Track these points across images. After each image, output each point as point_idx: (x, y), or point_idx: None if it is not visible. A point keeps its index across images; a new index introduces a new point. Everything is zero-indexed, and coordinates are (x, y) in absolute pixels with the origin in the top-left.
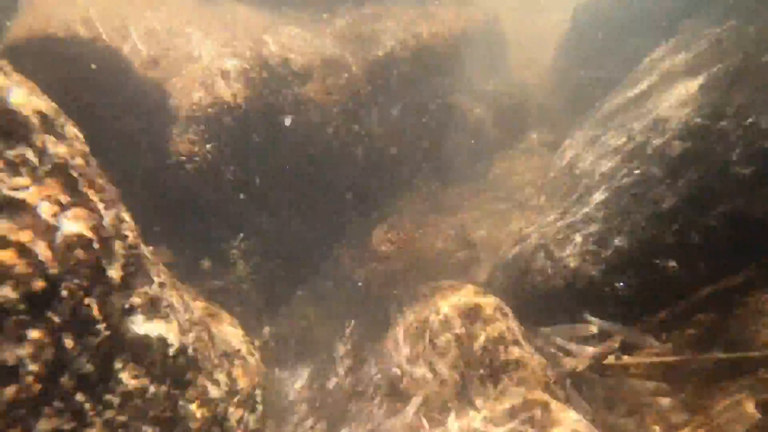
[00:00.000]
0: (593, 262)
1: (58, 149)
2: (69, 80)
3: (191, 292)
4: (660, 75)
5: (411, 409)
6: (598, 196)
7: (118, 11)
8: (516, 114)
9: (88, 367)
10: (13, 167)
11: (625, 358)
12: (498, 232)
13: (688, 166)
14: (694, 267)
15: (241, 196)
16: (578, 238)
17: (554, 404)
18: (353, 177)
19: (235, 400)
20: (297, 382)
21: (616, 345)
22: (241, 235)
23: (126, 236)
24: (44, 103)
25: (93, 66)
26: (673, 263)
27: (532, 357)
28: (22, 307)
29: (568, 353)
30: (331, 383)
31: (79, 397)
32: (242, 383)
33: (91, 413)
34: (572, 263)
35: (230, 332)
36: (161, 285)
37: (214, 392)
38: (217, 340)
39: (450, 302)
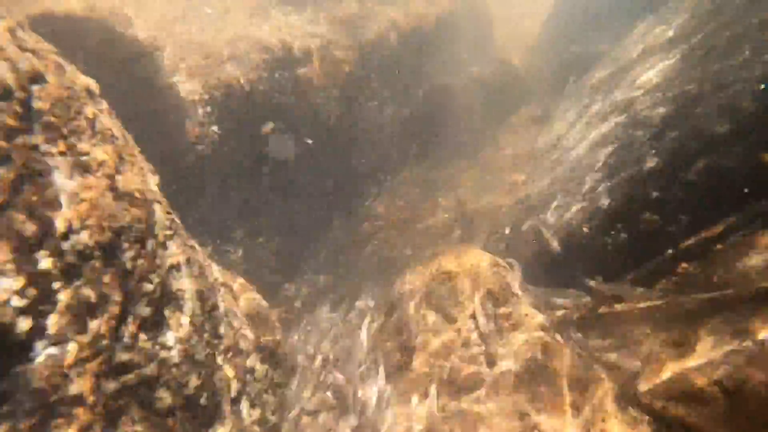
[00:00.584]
0: (584, 221)
1: (103, 120)
2: (83, 61)
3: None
4: (643, 47)
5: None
6: (587, 161)
7: None
8: (504, 92)
9: (147, 311)
10: (77, 134)
11: (617, 306)
12: (491, 204)
13: (669, 129)
14: (677, 220)
15: (246, 176)
16: (569, 200)
17: (554, 344)
18: (350, 157)
19: (261, 355)
20: (309, 343)
21: (609, 296)
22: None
23: (162, 201)
24: (91, 81)
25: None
26: (656, 217)
27: (529, 308)
28: (97, 254)
29: (563, 308)
30: (344, 342)
31: (143, 336)
32: (265, 340)
33: (151, 352)
34: (564, 224)
35: (248, 295)
36: (192, 247)
37: (243, 345)
38: (239, 301)
39: (451, 261)
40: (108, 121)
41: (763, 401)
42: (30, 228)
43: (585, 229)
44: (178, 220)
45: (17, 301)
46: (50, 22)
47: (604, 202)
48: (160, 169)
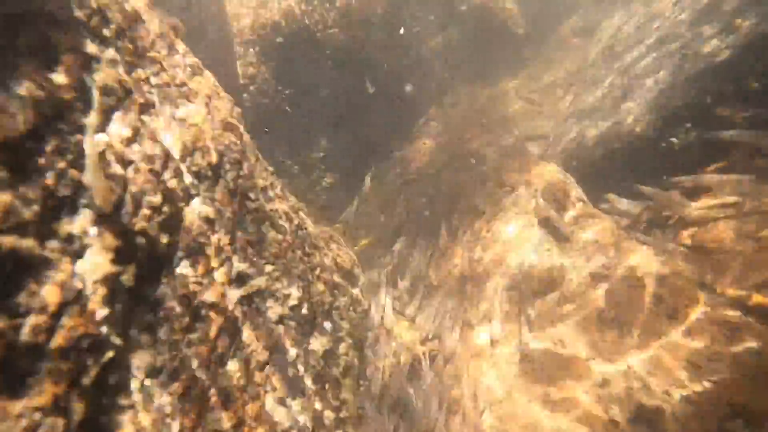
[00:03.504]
0: (649, 121)
1: (190, 55)
2: None
3: None
4: None
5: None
6: (648, 61)
7: None
8: (547, 4)
9: (252, 228)
10: (175, 68)
11: (693, 207)
12: (543, 120)
13: (741, 18)
14: (755, 114)
15: (297, 112)
16: (630, 103)
17: (626, 243)
18: (396, 84)
19: (341, 273)
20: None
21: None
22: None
23: (245, 129)
24: (177, 20)
25: None
26: (729, 112)
27: (598, 211)
28: (209, 173)
29: (629, 214)
30: (413, 262)
31: (250, 251)
32: (342, 261)
33: (260, 265)
34: (628, 125)
35: (324, 223)
36: (272, 173)
37: (327, 262)
38: (315, 226)
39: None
40: (192, 58)
41: None
42: (156, 150)
43: (650, 130)
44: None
45: (157, 217)
46: None
47: (671, 99)
48: None
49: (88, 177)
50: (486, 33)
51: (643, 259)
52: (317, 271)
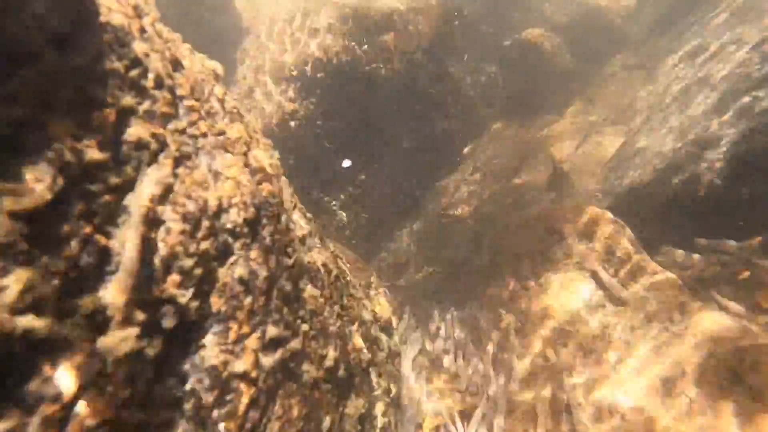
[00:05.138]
0: (719, 170)
1: (229, 100)
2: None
3: None
4: None
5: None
6: (708, 106)
7: None
8: (592, 38)
9: (288, 286)
10: (212, 116)
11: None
12: (591, 161)
13: None
14: None
15: (338, 149)
16: (695, 150)
17: (692, 304)
18: (437, 121)
19: (379, 325)
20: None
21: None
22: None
23: (284, 175)
24: (217, 64)
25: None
26: None
27: (657, 265)
28: (245, 230)
29: (689, 267)
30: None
31: (286, 311)
32: (381, 311)
33: (295, 326)
34: (693, 172)
35: (356, 265)
36: (310, 220)
37: (365, 315)
38: (354, 273)
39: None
40: (232, 101)
41: None
42: (191, 208)
43: (717, 180)
44: (294, 193)
45: (188, 283)
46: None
47: (742, 150)
48: None
49: (116, 242)
50: (531, 68)
51: (715, 324)
52: (355, 326)
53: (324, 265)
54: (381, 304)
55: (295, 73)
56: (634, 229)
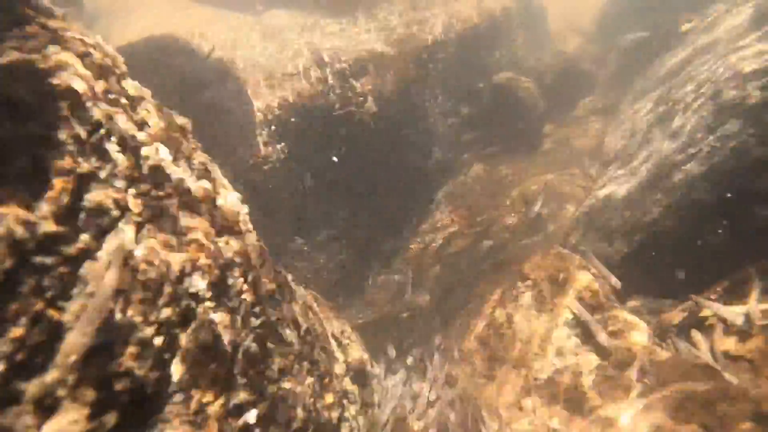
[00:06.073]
0: (681, 216)
1: (196, 156)
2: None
3: None
4: (722, 30)
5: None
6: (675, 151)
7: (184, 25)
8: (563, 83)
9: (254, 347)
10: (179, 174)
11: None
12: (561, 200)
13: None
14: None
15: (312, 190)
16: (660, 196)
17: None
18: (412, 161)
19: (352, 375)
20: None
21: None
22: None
23: (253, 230)
24: (184, 120)
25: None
26: (766, 212)
27: (627, 312)
28: (208, 294)
29: (658, 313)
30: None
31: (251, 373)
32: (354, 359)
33: (263, 389)
34: (657, 218)
35: (328, 314)
36: (279, 272)
37: (337, 369)
38: (325, 323)
39: (548, 274)
40: (200, 156)
41: None
42: (152, 275)
43: (680, 226)
44: (264, 246)
45: (147, 353)
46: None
47: (703, 196)
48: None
49: (70, 316)
50: (504, 109)
51: (684, 376)
52: (326, 381)
53: (294, 320)
54: (354, 353)
55: (269, 117)
56: (606, 275)
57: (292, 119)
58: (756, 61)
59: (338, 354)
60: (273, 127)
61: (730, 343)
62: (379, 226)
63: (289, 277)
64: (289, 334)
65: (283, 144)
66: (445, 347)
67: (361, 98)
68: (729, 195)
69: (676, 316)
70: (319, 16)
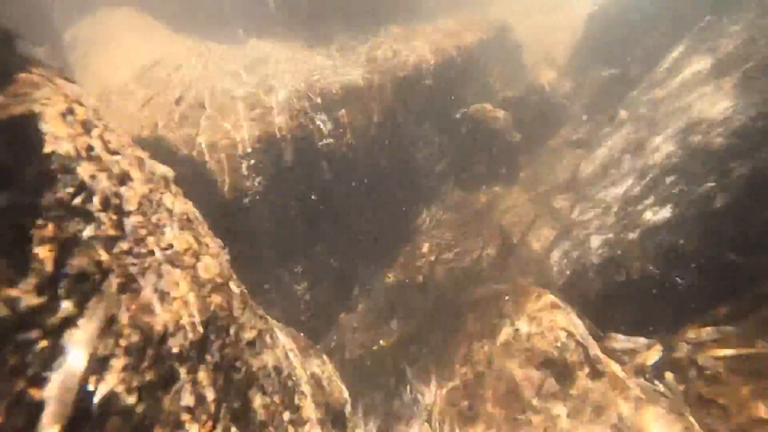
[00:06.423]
0: (652, 259)
1: (178, 205)
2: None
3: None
4: (688, 73)
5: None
6: (645, 192)
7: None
8: (537, 116)
9: (237, 403)
10: (161, 228)
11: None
12: (535, 234)
13: (735, 163)
14: (756, 260)
15: (290, 222)
16: (632, 236)
17: (635, 401)
18: (391, 191)
19: (332, 418)
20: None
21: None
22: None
23: (234, 278)
24: (166, 169)
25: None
26: (733, 257)
27: (601, 353)
28: (192, 353)
29: (633, 353)
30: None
31: (233, 430)
32: (333, 400)
33: None
34: (630, 260)
35: (310, 352)
36: (261, 317)
37: (318, 413)
38: (305, 362)
39: (524, 312)
40: (182, 205)
41: None
42: (134, 338)
43: (652, 268)
44: (245, 290)
45: (129, 422)
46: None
47: (673, 239)
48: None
49: (51, 390)
50: (480, 140)
51: (653, 421)
52: (305, 427)
53: (275, 366)
54: (334, 393)
55: (249, 150)
56: (581, 313)
57: (273, 151)
58: (716, 109)
59: (319, 396)
60: (253, 161)
61: (701, 386)
62: (358, 256)
63: (269, 318)
64: (271, 380)
65: (262, 177)
66: (422, 389)
67: (341, 130)
68: (696, 239)
69: (649, 356)
70: (298, 46)
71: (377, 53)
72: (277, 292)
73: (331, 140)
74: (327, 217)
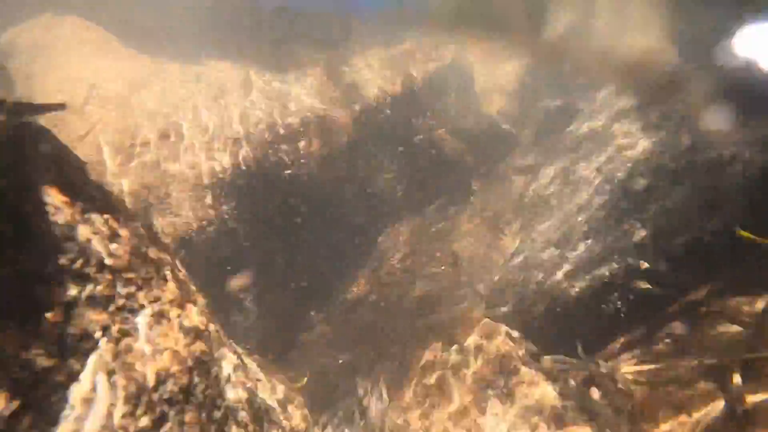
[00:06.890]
0: (582, 286)
1: (163, 256)
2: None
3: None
4: (617, 110)
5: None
6: (579, 226)
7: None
8: (487, 143)
9: None
10: (148, 282)
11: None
12: (483, 257)
13: (651, 201)
14: (668, 286)
15: (252, 248)
16: (567, 266)
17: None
18: (351, 217)
19: None
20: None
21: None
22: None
23: (212, 320)
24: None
25: None
26: (647, 285)
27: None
28: (180, 397)
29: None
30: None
31: None
32: (297, 424)
33: None
34: (564, 286)
35: (280, 378)
36: (235, 352)
37: None
38: (270, 389)
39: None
40: (166, 255)
41: None
42: (132, 388)
43: (581, 294)
44: (220, 328)
45: None
46: None
47: (599, 270)
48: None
49: None
50: (435, 166)
51: None
52: None
53: (248, 400)
54: (297, 419)
55: (213, 180)
56: (523, 336)
57: (236, 181)
58: (638, 151)
59: (285, 423)
60: (217, 191)
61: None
62: (319, 279)
63: (239, 348)
64: (245, 414)
65: (227, 206)
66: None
67: (303, 160)
68: (619, 270)
69: (579, 375)
70: (258, 71)
71: (335, 82)
72: (236, 315)
73: (293, 170)
74: (286, 242)
